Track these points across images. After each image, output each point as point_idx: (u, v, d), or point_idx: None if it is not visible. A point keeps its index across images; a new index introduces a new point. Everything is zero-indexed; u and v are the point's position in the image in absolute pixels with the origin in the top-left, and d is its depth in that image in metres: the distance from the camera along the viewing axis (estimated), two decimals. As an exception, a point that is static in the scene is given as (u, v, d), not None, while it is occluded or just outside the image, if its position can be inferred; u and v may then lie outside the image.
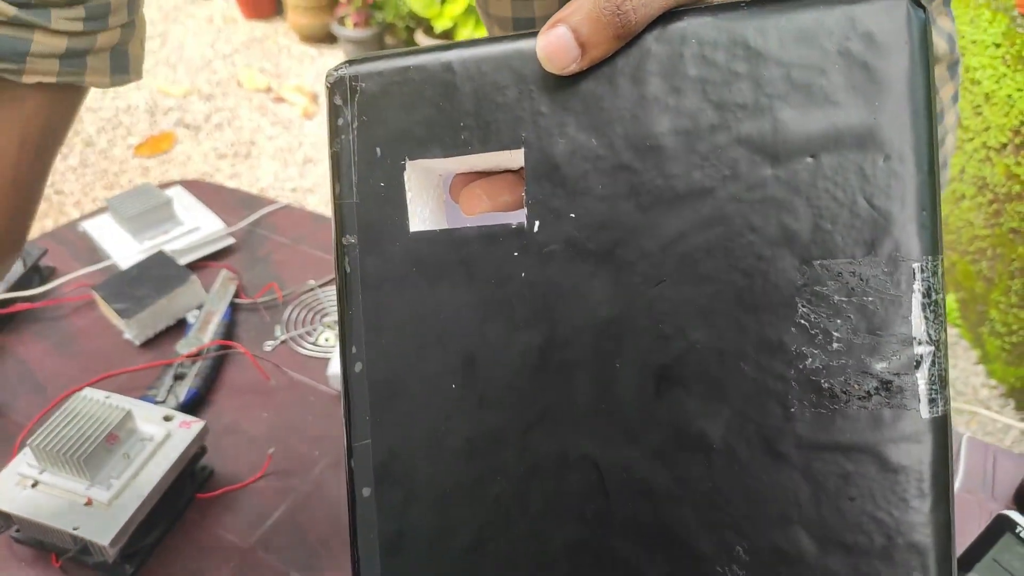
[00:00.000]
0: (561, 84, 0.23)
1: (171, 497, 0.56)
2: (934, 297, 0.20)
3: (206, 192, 0.95)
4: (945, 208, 1.77)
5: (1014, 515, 0.46)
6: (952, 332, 1.76)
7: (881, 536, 0.20)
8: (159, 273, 0.76)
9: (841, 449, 0.21)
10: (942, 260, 0.20)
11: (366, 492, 0.25)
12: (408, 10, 2.76)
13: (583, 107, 0.23)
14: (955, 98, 0.64)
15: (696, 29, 0.22)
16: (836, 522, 0.21)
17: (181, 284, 0.75)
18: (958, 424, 1.53)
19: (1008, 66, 1.51)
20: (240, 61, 2.94)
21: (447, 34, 2.72)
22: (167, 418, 0.58)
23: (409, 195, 0.25)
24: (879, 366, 0.20)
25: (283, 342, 0.75)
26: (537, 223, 0.23)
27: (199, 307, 0.76)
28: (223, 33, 3.15)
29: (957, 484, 0.59)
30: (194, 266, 0.82)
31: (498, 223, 0.24)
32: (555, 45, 0.22)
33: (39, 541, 0.54)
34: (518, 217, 0.24)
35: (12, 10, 0.33)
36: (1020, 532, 0.45)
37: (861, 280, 0.20)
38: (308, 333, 0.76)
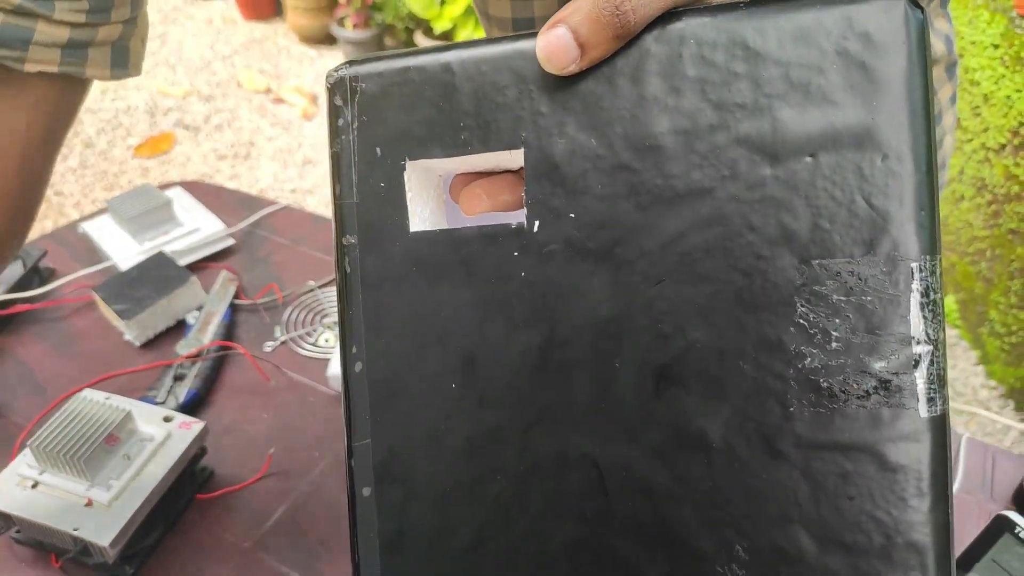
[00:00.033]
0: (561, 84, 0.23)
1: (171, 498, 0.56)
2: (932, 296, 0.20)
3: (206, 193, 0.95)
4: (944, 209, 1.77)
5: (1013, 516, 0.46)
6: (952, 333, 1.76)
7: (880, 535, 0.20)
8: (159, 274, 0.76)
9: (840, 448, 0.21)
10: (940, 260, 0.20)
11: (366, 492, 0.25)
12: (407, 11, 2.76)
13: (583, 107, 0.23)
14: (953, 100, 0.64)
15: (695, 29, 0.22)
16: (835, 521, 0.21)
17: (181, 285, 0.75)
18: (958, 425, 1.53)
19: (1007, 67, 1.51)
20: (239, 62, 2.94)
21: (446, 35, 2.72)
22: (167, 419, 0.58)
23: (409, 195, 0.25)
24: (878, 365, 0.20)
25: (283, 343, 0.75)
26: (537, 223, 0.24)
27: (199, 308, 0.76)
28: (222, 34, 3.15)
29: (956, 485, 0.59)
30: (194, 267, 0.82)
31: (498, 223, 0.24)
32: (555, 45, 0.22)
33: (39, 542, 0.54)
34: (518, 217, 0.24)
35: None
36: (1019, 533, 0.45)
37: (860, 279, 0.20)
38: (308, 334, 0.76)
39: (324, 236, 0.90)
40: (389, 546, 0.25)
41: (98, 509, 0.52)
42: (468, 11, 2.63)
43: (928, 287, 0.20)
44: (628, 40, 0.22)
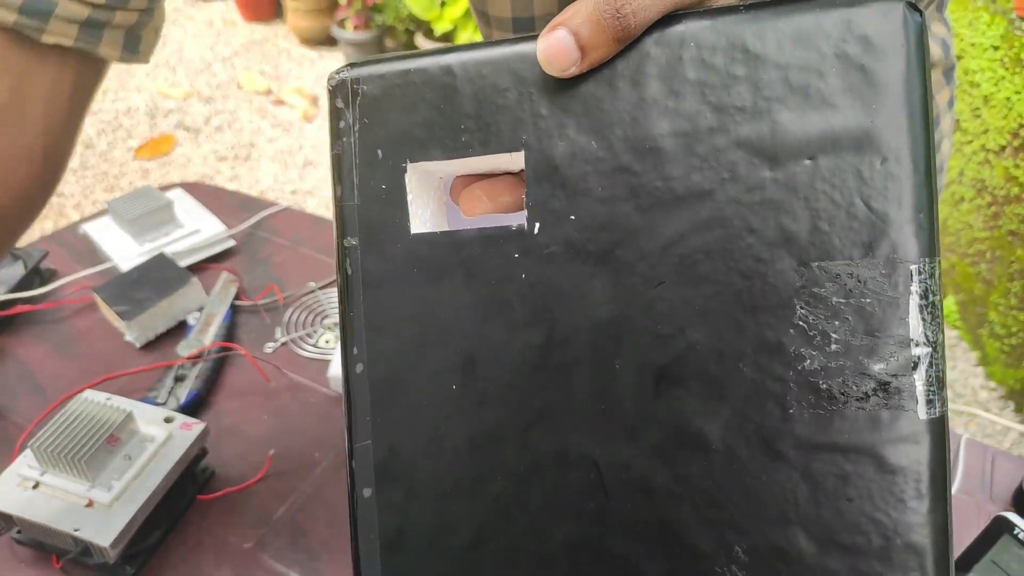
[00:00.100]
0: (561, 87, 0.23)
1: (172, 498, 0.56)
2: (931, 299, 0.20)
3: (206, 194, 0.95)
4: (944, 210, 1.77)
5: (1012, 517, 0.46)
6: (951, 334, 1.77)
7: (879, 536, 0.20)
8: (160, 275, 0.76)
9: (839, 450, 0.21)
10: (939, 262, 0.20)
11: (367, 493, 0.25)
12: (408, 13, 2.76)
13: (583, 109, 0.23)
14: (951, 103, 0.64)
15: (695, 32, 0.22)
16: (834, 522, 0.21)
17: (182, 286, 0.75)
18: (957, 426, 1.53)
19: (1007, 69, 1.51)
20: (240, 64, 2.95)
21: (447, 37, 2.72)
22: (168, 420, 0.59)
23: (410, 197, 0.25)
24: (877, 367, 0.20)
25: (283, 344, 0.75)
26: (537, 225, 0.24)
27: (200, 309, 0.77)
28: (223, 36, 3.15)
29: (956, 486, 0.59)
30: (195, 268, 0.82)
31: (498, 225, 0.24)
32: (555, 48, 0.22)
33: (40, 543, 0.54)
34: (518, 219, 0.24)
35: None
36: (1018, 534, 0.45)
37: (859, 282, 0.20)
38: (308, 335, 0.76)
39: (325, 237, 0.90)
40: (389, 546, 0.25)
41: (99, 510, 0.52)
42: (468, 13, 2.63)
43: (927, 289, 0.20)
44: (628, 43, 0.22)
